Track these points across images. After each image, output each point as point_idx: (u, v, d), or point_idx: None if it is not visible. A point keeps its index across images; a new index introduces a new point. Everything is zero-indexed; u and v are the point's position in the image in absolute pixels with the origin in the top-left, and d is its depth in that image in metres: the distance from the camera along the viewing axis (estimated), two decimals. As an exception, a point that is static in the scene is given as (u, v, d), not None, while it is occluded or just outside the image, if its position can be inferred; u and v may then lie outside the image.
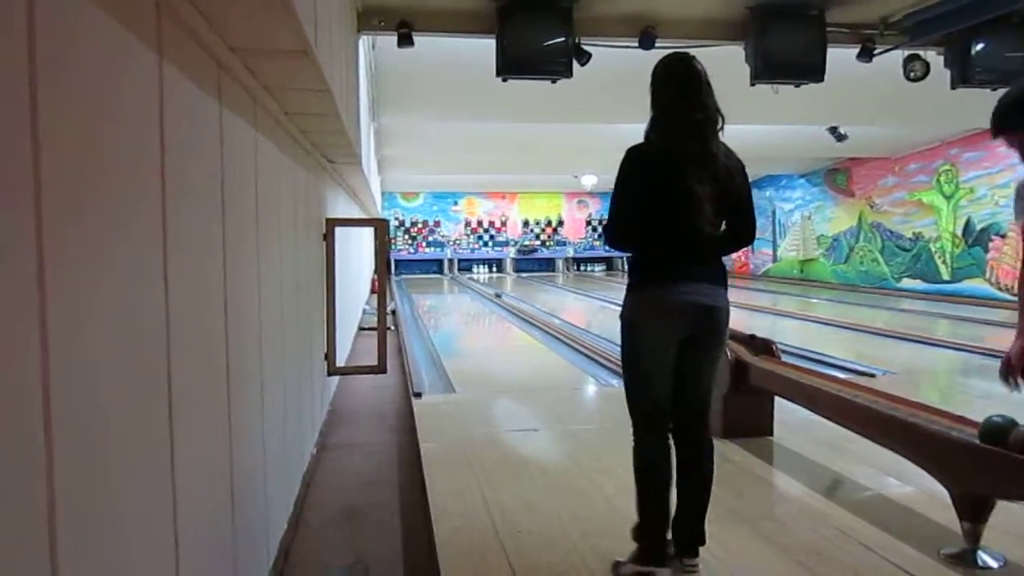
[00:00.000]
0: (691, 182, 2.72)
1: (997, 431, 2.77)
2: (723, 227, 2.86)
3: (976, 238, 14.36)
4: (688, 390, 2.83)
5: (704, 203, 2.74)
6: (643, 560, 2.76)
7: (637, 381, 2.86)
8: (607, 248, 3.24)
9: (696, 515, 2.82)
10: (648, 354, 2.81)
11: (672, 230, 2.77)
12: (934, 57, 7.03)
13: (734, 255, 23.94)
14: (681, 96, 2.79)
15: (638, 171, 2.80)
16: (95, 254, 1.32)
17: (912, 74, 7.15)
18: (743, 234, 2.92)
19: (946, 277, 15.20)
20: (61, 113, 1.18)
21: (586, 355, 7.77)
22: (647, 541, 2.78)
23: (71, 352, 1.19)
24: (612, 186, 2.89)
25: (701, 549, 2.81)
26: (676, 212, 2.75)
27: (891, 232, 16.81)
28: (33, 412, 1.07)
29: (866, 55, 6.82)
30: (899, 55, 7.06)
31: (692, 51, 2.89)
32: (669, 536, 2.83)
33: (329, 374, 5.66)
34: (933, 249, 15.52)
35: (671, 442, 2.85)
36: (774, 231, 21.93)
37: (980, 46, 6.67)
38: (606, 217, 2.98)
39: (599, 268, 26.34)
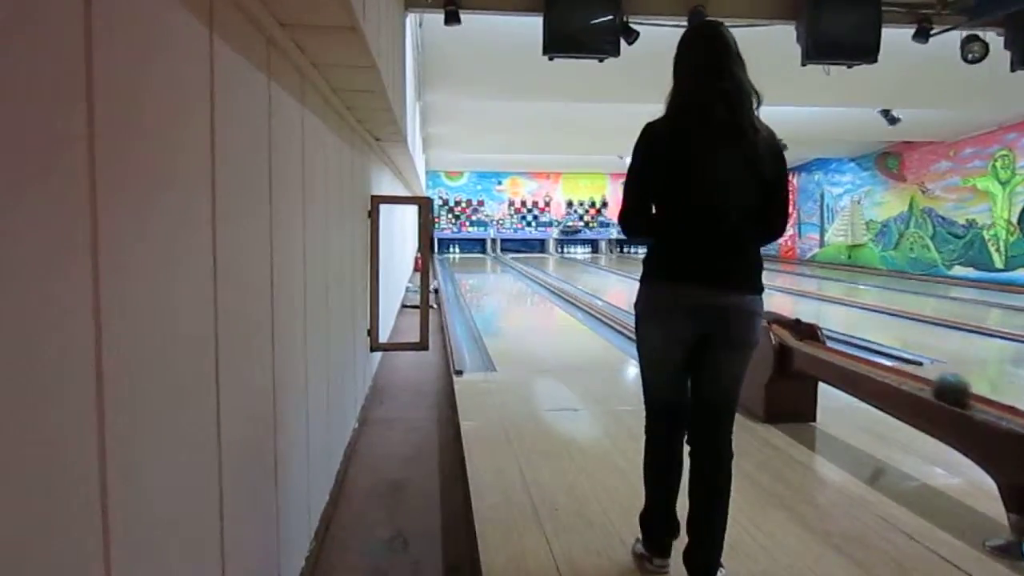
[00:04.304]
0: (715, 158, 2.45)
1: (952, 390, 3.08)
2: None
3: (1032, 226, 14.01)
4: (704, 391, 2.59)
5: (730, 182, 2.47)
6: (646, 547, 2.73)
7: (645, 376, 2.72)
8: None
9: (705, 537, 2.53)
10: (652, 351, 2.66)
11: (691, 216, 2.50)
12: (994, 38, 6.84)
13: (779, 239, 23.63)
14: (706, 61, 2.50)
15: (653, 151, 2.52)
16: (145, 226, 1.35)
17: (970, 55, 6.96)
18: (773, 226, 2.59)
19: (999, 265, 14.85)
20: (114, 87, 1.20)
21: (627, 336, 7.75)
22: (646, 533, 2.74)
23: (120, 325, 1.21)
24: None
25: (740, 531, 2.77)
26: (696, 195, 2.48)
27: (943, 218, 16.47)
28: (86, 387, 1.10)
29: (922, 35, 6.65)
30: (957, 36, 6.88)
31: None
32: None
33: (372, 350, 5.72)
34: (986, 236, 15.18)
35: (684, 446, 2.69)
36: (822, 215, 21.60)
37: (1043, 27, 6.47)
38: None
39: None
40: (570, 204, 26.68)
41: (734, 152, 2.46)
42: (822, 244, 21.66)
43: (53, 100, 1.03)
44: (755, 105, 2.51)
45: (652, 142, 2.53)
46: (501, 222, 26.37)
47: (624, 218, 2.64)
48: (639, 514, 2.77)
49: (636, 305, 2.66)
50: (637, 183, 2.58)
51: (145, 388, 1.33)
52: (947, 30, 6.71)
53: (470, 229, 26.20)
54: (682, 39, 2.63)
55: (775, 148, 2.53)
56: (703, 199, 2.48)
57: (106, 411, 1.14)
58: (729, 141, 2.46)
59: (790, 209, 2.68)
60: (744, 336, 2.55)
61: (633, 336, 2.77)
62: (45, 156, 1.00)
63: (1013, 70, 6.73)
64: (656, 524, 2.71)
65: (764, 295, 2.63)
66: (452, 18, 6.29)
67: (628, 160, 2.62)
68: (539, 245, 26.44)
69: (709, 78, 2.48)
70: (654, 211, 2.59)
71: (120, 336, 1.20)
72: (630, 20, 6.42)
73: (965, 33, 6.87)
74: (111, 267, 1.16)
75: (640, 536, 2.77)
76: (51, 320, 1.01)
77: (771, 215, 2.57)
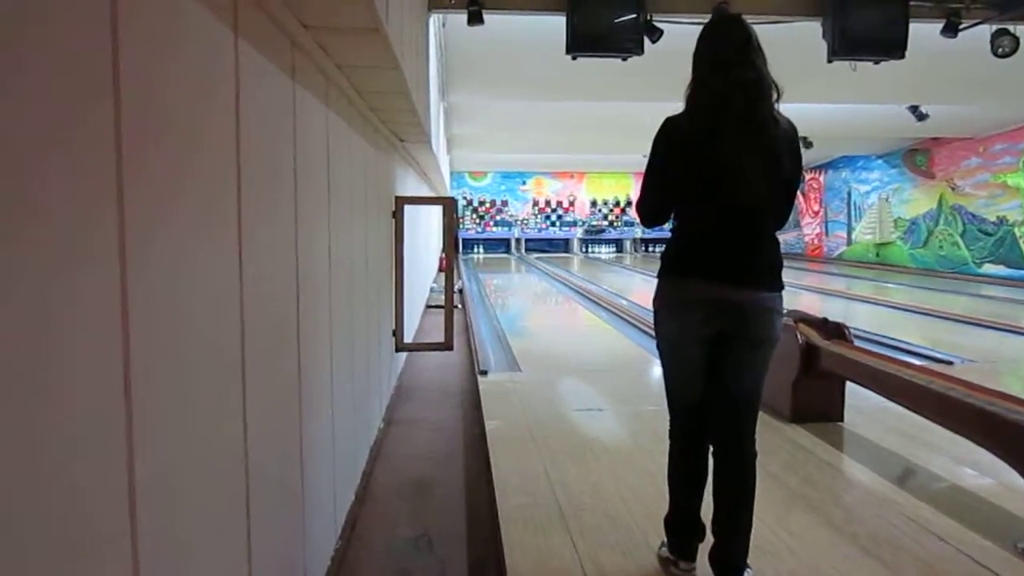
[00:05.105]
0: (735, 151, 2.41)
1: None
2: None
3: (1065, 223, 13.79)
4: (725, 390, 2.54)
5: (750, 176, 2.42)
6: (671, 550, 2.70)
7: (665, 375, 2.68)
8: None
9: (730, 537, 2.51)
10: (669, 347, 2.63)
11: (710, 211, 2.46)
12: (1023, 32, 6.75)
13: (808, 236, 23.44)
14: (726, 52, 2.46)
15: (671, 143, 2.49)
16: (172, 226, 1.36)
17: (1000, 50, 6.86)
18: (778, 218, 2.56)
19: (1031, 263, 14.63)
20: (141, 89, 1.21)
21: (652, 336, 7.66)
22: (670, 534, 2.71)
23: (148, 325, 1.23)
24: None
25: (766, 531, 2.75)
26: (715, 190, 2.44)
27: (973, 215, 16.26)
28: (115, 388, 1.11)
29: (951, 30, 6.57)
30: (986, 30, 6.79)
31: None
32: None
33: (397, 350, 5.74)
34: (1018, 233, 14.96)
35: (707, 446, 2.65)
36: (849, 213, 21.39)
37: (1074, 20, 6.37)
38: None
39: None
40: (594, 203, 26.62)
41: (754, 145, 2.43)
42: (850, 242, 21.45)
43: (81, 102, 1.04)
44: (775, 98, 2.47)
45: (671, 135, 2.50)
46: (525, 222, 26.36)
47: (640, 207, 2.64)
48: (664, 517, 2.74)
49: (654, 301, 2.65)
50: (656, 177, 2.55)
51: (172, 389, 1.34)
52: (976, 24, 6.62)
53: (494, 229, 26.22)
54: (701, 32, 2.60)
55: (793, 143, 2.52)
56: (723, 193, 2.44)
57: (134, 412, 1.15)
58: (749, 134, 2.43)
59: (795, 203, 2.62)
60: (763, 333, 2.49)
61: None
62: (73, 157, 1.01)
63: (1044, 64, 6.65)
64: (681, 528, 2.68)
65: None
66: (475, 18, 6.30)
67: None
68: (563, 245, 26.40)
69: (729, 68, 2.44)
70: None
71: (147, 336, 1.21)
72: (654, 18, 6.40)
73: (994, 27, 6.78)
74: (138, 267, 1.17)
75: (665, 539, 2.74)
76: (79, 320, 1.02)
77: (779, 208, 2.56)
